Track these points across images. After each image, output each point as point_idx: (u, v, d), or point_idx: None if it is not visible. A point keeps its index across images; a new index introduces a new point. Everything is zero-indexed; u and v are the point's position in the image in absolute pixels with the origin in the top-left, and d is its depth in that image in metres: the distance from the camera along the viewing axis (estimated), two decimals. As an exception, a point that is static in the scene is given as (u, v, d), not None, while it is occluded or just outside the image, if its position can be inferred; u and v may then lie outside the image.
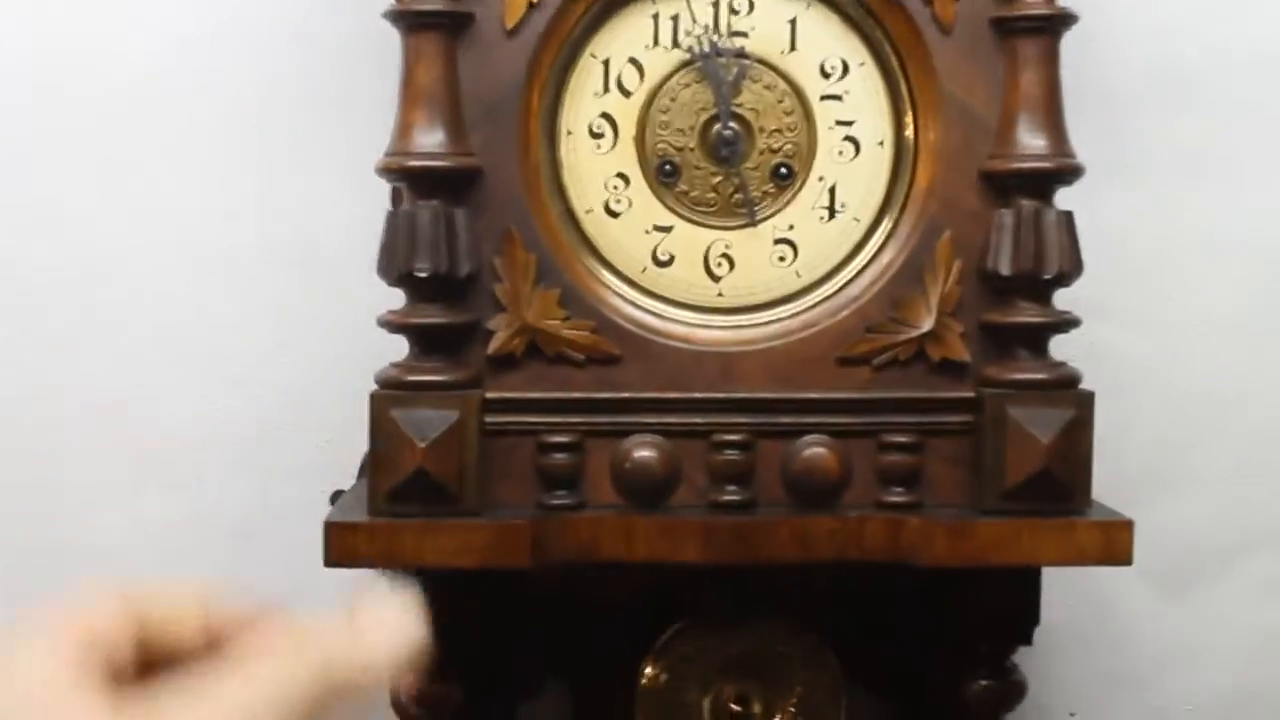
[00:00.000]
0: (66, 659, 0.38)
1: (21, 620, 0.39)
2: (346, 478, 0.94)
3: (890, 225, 0.84)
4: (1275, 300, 1.08)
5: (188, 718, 0.38)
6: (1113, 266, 0.96)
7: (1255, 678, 1.12)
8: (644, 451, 0.78)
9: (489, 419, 0.76)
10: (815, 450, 0.78)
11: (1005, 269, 0.77)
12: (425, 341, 0.76)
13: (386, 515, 0.74)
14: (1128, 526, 0.77)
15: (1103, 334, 0.98)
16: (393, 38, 0.80)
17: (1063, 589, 0.86)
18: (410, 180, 0.75)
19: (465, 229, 0.75)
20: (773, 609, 0.86)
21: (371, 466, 0.74)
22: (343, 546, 0.72)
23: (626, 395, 0.78)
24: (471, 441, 0.74)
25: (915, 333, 0.79)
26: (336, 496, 0.91)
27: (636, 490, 0.78)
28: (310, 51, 1.02)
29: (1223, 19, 1.08)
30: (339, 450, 0.92)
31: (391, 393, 0.74)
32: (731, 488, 0.78)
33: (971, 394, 0.79)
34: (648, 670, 0.86)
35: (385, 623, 0.42)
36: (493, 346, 0.77)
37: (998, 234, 0.78)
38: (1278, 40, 1.08)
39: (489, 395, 0.76)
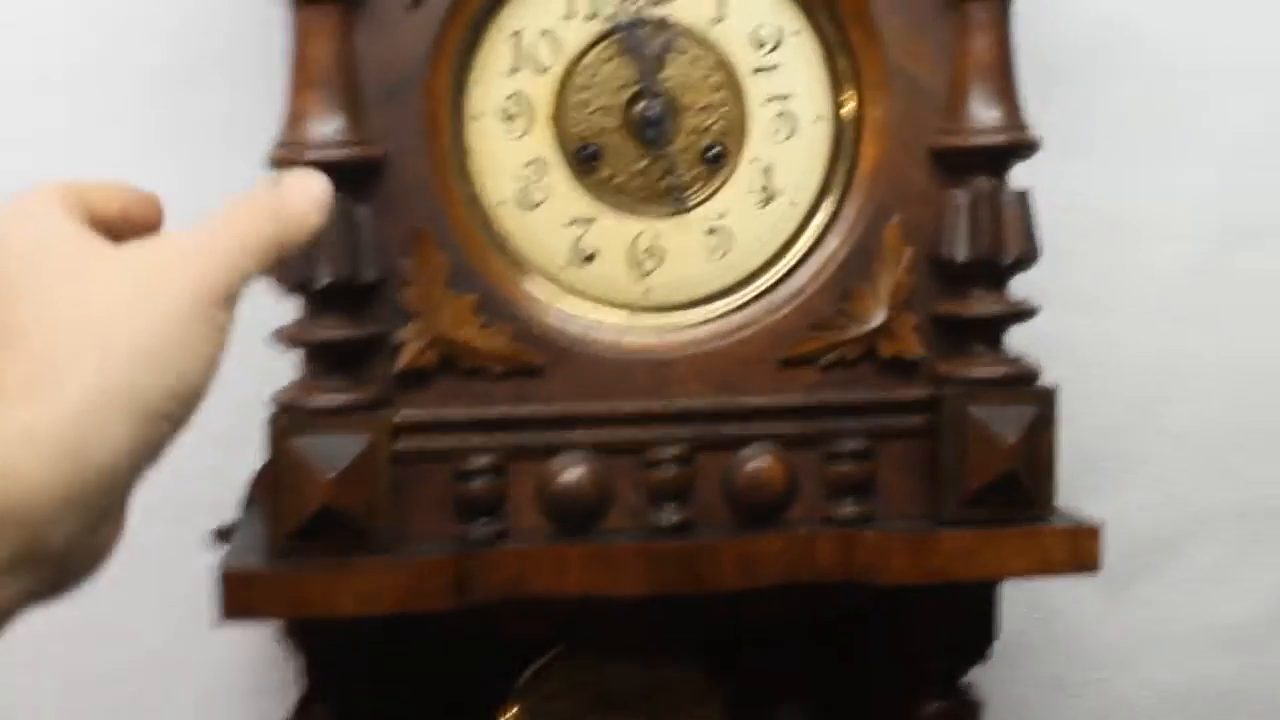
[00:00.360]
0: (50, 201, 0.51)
1: None
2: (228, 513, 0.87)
3: (831, 210, 0.79)
4: (1213, 281, 1.06)
5: (161, 253, 0.51)
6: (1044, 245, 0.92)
7: (1201, 673, 1.12)
8: (572, 472, 0.73)
9: (399, 443, 0.70)
10: (759, 462, 0.74)
11: (961, 254, 0.73)
12: (326, 358, 0.70)
13: (289, 559, 0.68)
14: (1094, 532, 0.75)
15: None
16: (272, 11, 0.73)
17: (1004, 592, 0.83)
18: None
19: (369, 228, 0.69)
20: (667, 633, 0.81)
21: (270, 503, 0.67)
22: (240, 598, 0.66)
23: (551, 410, 0.72)
24: (383, 470, 0.69)
25: (865, 328, 0.75)
26: (223, 534, 0.84)
27: (565, 515, 0.73)
28: (191, 30, 0.97)
29: None
30: (223, 478, 0.85)
31: (291, 417, 0.68)
32: (669, 507, 0.74)
33: (926, 393, 0.75)
34: (512, 713, 0.80)
35: (301, 180, 0.57)
36: (402, 361, 0.71)
37: (952, 216, 0.74)
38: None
39: (400, 417, 0.70)
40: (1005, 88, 0.76)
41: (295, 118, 0.70)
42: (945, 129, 0.77)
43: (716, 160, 0.81)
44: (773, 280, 0.81)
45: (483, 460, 0.73)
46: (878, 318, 0.76)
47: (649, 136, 0.80)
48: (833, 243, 0.77)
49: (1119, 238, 1.06)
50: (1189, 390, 1.11)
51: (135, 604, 0.97)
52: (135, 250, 0.51)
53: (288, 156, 0.71)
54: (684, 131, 0.81)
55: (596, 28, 0.79)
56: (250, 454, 0.77)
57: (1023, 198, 0.76)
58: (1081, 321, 1.06)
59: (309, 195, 0.56)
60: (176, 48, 0.98)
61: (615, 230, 0.80)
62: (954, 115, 0.77)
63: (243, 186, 0.57)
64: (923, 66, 0.76)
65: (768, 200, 0.81)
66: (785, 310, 0.77)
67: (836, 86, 0.81)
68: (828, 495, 0.77)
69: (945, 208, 0.76)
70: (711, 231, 0.81)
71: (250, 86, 0.91)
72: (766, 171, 0.81)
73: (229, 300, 0.51)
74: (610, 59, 0.80)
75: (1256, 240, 1.10)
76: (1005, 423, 0.75)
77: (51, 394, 0.45)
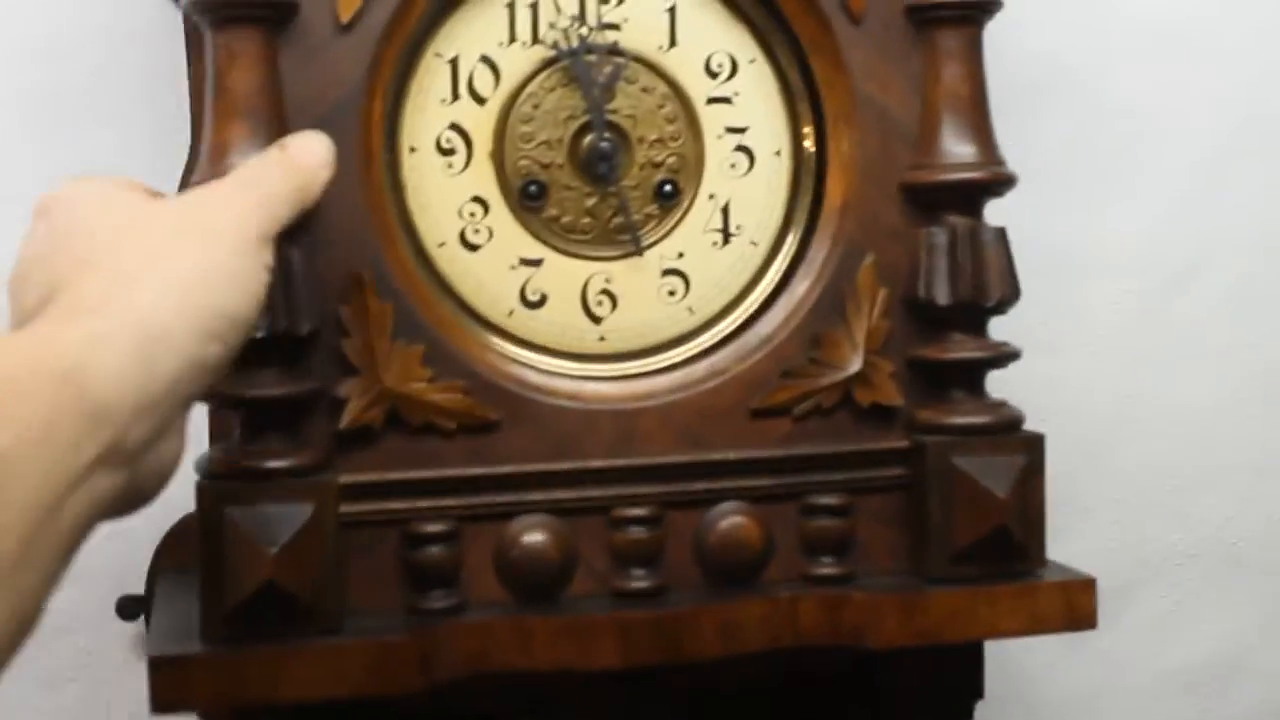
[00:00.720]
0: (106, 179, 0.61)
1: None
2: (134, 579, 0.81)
3: (794, 249, 0.76)
4: (1159, 321, 1.07)
5: (205, 198, 0.61)
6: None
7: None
8: (533, 536, 0.70)
9: (344, 509, 0.65)
10: (733, 520, 0.72)
11: (943, 297, 0.71)
12: (261, 418, 0.65)
13: (226, 642, 0.63)
14: (1089, 585, 0.73)
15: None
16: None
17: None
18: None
19: (303, 274, 0.64)
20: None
21: (203, 580, 0.62)
22: (174, 687, 0.62)
23: (508, 469, 0.68)
24: (329, 541, 0.65)
25: (840, 375, 0.73)
26: (128, 605, 0.78)
27: (527, 583, 0.70)
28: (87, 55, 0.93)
29: (1095, 4, 1.08)
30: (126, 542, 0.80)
31: (224, 484, 0.63)
32: (638, 571, 0.71)
33: (905, 443, 0.72)
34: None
35: (306, 140, 0.64)
36: (346, 419, 0.67)
37: (929, 256, 0.72)
38: (1165, 25, 1.05)
39: (344, 480, 0.65)
40: (979, 120, 0.75)
41: (217, 150, 0.66)
42: (917, 164, 0.75)
43: (671, 197, 0.79)
44: (735, 325, 0.79)
45: (436, 526, 0.69)
46: (853, 364, 0.74)
47: (599, 172, 0.78)
48: (802, 285, 0.75)
49: (1061, 278, 1.06)
50: (1137, 433, 1.13)
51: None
52: (181, 198, 0.62)
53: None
54: (636, 166, 0.79)
55: (540, 55, 0.77)
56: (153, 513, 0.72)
57: (1002, 236, 0.75)
58: (1027, 364, 1.05)
59: (315, 153, 0.64)
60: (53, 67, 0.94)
61: (565, 272, 0.78)
62: (926, 149, 0.75)
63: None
64: (892, 97, 0.75)
65: (726, 239, 0.79)
66: (755, 358, 0.75)
67: (796, 118, 0.79)
68: (805, 553, 0.75)
69: (920, 247, 0.75)
70: (667, 273, 0.79)
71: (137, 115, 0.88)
72: (724, 209, 0.79)
73: (265, 240, 0.59)
74: (555, 88, 0.78)
75: (1199, 279, 1.12)
76: (994, 474, 0.73)
77: (123, 305, 0.53)
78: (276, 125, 0.68)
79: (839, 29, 0.76)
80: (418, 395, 0.71)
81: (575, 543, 0.73)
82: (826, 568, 0.76)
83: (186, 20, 0.76)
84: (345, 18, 0.71)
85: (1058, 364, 1.08)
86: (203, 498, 0.67)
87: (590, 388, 0.75)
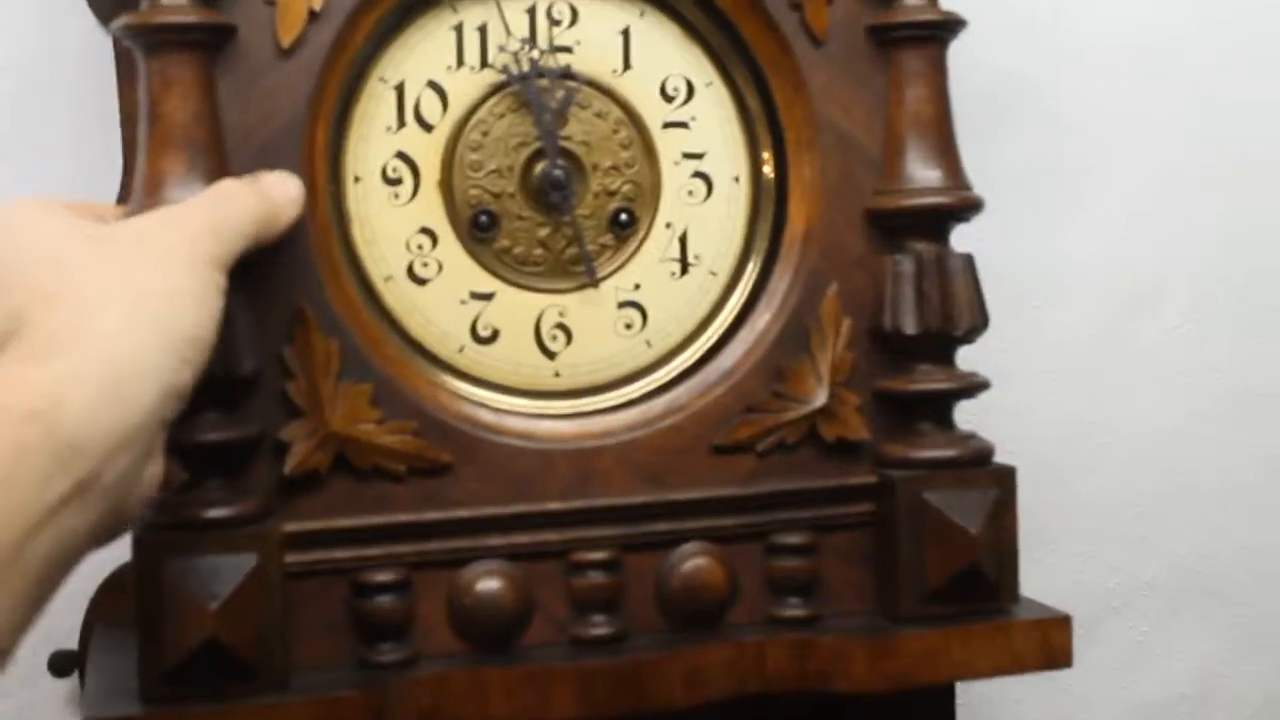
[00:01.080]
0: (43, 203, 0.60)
1: None
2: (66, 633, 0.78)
3: (753, 279, 0.74)
4: (1118, 345, 1.06)
5: (155, 222, 0.61)
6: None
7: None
8: (488, 582, 0.68)
9: (289, 558, 0.63)
10: (695, 562, 0.70)
11: (910, 327, 0.70)
12: (200, 463, 0.62)
13: (167, 702, 0.60)
14: (1065, 623, 0.71)
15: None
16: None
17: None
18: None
19: (243, 311, 0.62)
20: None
21: (141, 636, 0.60)
22: (112, 751, 0.58)
23: (461, 514, 0.66)
24: (274, 592, 0.62)
25: (805, 409, 0.71)
26: (60, 661, 0.75)
27: (482, 632, 0.68)
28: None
29: (1063, 19, 1.09)
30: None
31: (163, 535, 0.61)
32: (598, 618, 0.69)
33: (873, 479, 0.71)
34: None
35: (279, 178, 0.66)
36: (290, 464, 0.65)
37: (895, 285, 0.71)
38: (1125, 45, 1.05)
39: (289, 528, 0.63)
40: (944, 143, 0.74)
41: (152, 181, 0.64)
42: (881, 189, 0.74)
43: (626, 226, 0.78)
44: (695, 358, 0.77)
45: (386, 574, 0.67)
46: (818, 398, 0.73)
47: (552, 201, 0.76)
48: (763, 316, 0.73)
49: (1021, 302, 1.05)
50: (1100, 461, 1.12)
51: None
52: (133, 222, 0.60)
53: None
54: (590, 194, 0.78)
55: (489, 79, 0.75)
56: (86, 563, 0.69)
57: (969, 262, 0.74)
58: (986, 391, 1.04)
59: (286, 191, 0.66)
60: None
61: (517, 306, 0.76)
62: (890, 174, 0.74)
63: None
64: (855, 120, 0.73)
65: (684, 269, 0.77)
66: (716, 392, 0.72)
67: (755, 143, 0.77)
68: (771, 594, 0.73)
69: (886, 275, 0.73)
70: (624, 305, 0.77)
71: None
72: (682, 238, 0.77)
73: (221, 265, 0.60)
74: (505, 114, 0.76)
75: (1160, 302, 1.12)
76: (966, 510, 0.72)
77: (93, 341, 0.52)
78: (214, 155, 0.66)
79: (799, 50, 0.74)
80: (366, 438, 0.68)
81: (532, 589, 0.71)
82: (793, 609, 0.75)
83: (117, 43, 0.74)
84: (286, 42, 0.68)
85: (1018, 391, 1.07)
86: (140, 549, 0.64)
87: (545, 426, 0.73)
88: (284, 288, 0.68)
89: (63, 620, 0.83)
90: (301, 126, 0.69)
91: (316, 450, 0.68)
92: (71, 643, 0.87)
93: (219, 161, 0.66)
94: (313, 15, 0.69)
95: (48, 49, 0.91)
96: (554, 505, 0.71)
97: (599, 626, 0.72)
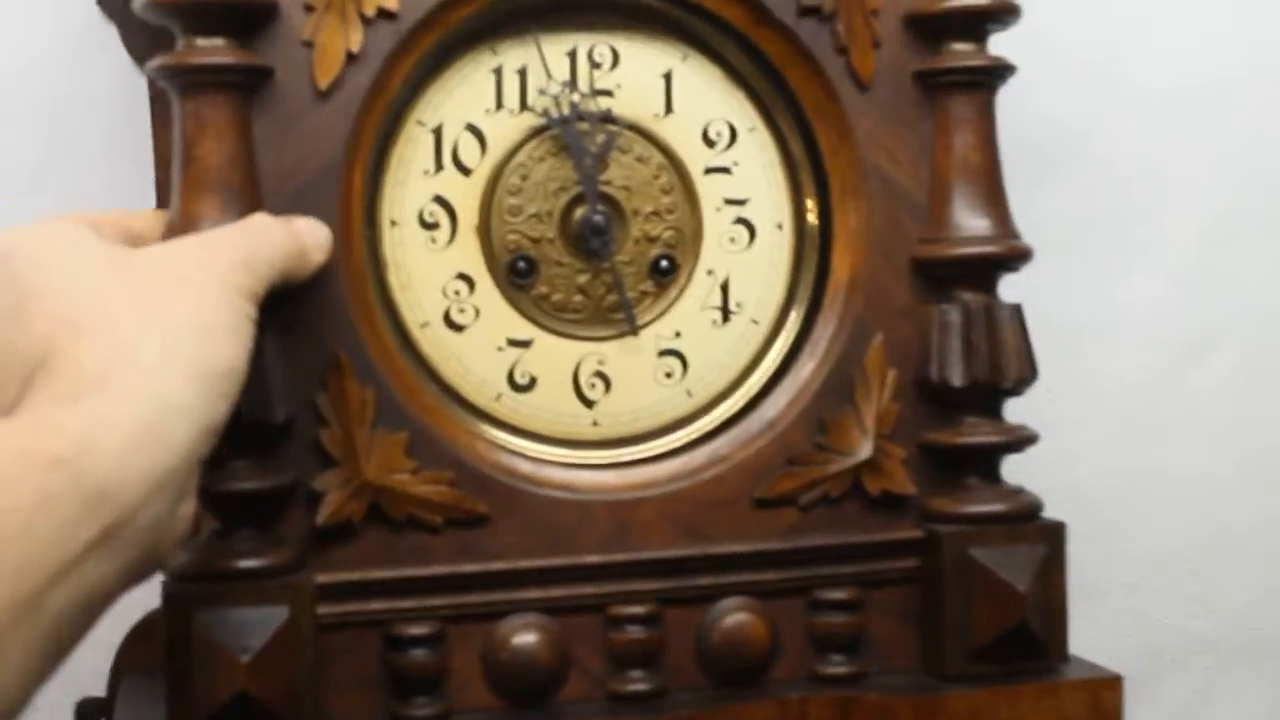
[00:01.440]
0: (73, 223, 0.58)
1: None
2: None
3: (796, 328, 0.73)
4: (1171, 395, 1.04)
5: (186, 249, 0.59)
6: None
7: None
8: (524, 637, 0.66)
9: (322, 610, 0.62)
10: (737, 617, 0.68)
11: (957, 379, 0.68)
12: (231, 512, 0.61)
13: (195, 759, 0.59)
14: (1116, 683, 0.69)
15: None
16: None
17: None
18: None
19: (277, 357, 0.61)
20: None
21: (170, 689, 0.58)
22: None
23: (499, 566, 0.65)
24: (306, 645, 0.61)
25: (849, 462, 0.69)
26: (88, 709, 0.79)
27: (517, 687, 0.66)
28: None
29: (1113, 65, 1.06)
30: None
31: (193, 586, 0.59)
32: (636, 674, 0.68)
33: (918, 534, 0.69)
34: None
35: (308, 222, 0.65)
36: (324, 514, 0.64)
37: (942, 335, 0.69)
38: (1175, 91, 1.03)
39: (322, 579, 0.62)
40: (993, 191, 0.73)
41: (186, 223, 0.63)
42: (928, 238, 0.72)
43: (667, 273, 0.77)
44: (736, 408, 0.76)
45: (420, 628, 0.65)
46: (863, 450, 0.71)
47: (592, 247, 0.74)
48: (807, 366, 0.72)
49: (1068, 353, 1.03)
50: (1150, 513, 1.10)
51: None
52: (163, 248, 0.59)
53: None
54: (630, 240, 0.76)
55: (529, 123, 0.74)
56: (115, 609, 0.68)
57: (1018, 313, 0.72)
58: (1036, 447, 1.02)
59: (315, 235, 0.65)
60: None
61: (555, 354, 0.75)
62: (937, 222, 0.73)
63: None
64: (902, 167, 0.72)
65: (726, 317, 0.76)
66: (758, 444, 0.71)
67: (798, 190, 0.76)
68: (814, 650, 0.72)
69: (932, 325, 0.71)
70: (664, 353, 0.76)
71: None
72: (724, 286, 0.76)
73: (253, 297, 0.58)
74: (544, 158, 0.75)
75: (1212, 351, 1.10)
76: (1014, 567, 0.70)
77: (129, 379, 0.51)
78: (249, 199, 0.65)
79: (845, 96, 0.73)
80: (401, 488, 0.67)
81: (569, 644, 0.69)
82: (837, 666, 0.73)
83: (152, 85, 0.73)
84: (324, 84, 0.68)
85: (1064, 442, 1.04)
86: (169, 600, 0.63)
87: (585, 477, 0.71)
88: (318, 334, 0.67)
89: (90, 666, 0.80)
90: (338, 170, 0.68)
91: (350, 500, 0.66)
92: (99, 689, 0.86)
93: (254, 204, 0.65)
94: (350, 57, 0.68)
95: (82, 90, 0.91)
96: (593, 558, 0.70)
97: (637, 682, 0.70)
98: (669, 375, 0.76)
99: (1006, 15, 0.73)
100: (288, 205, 0.66)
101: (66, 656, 0.49)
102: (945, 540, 0.72)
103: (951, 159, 0.73)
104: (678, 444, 0.75)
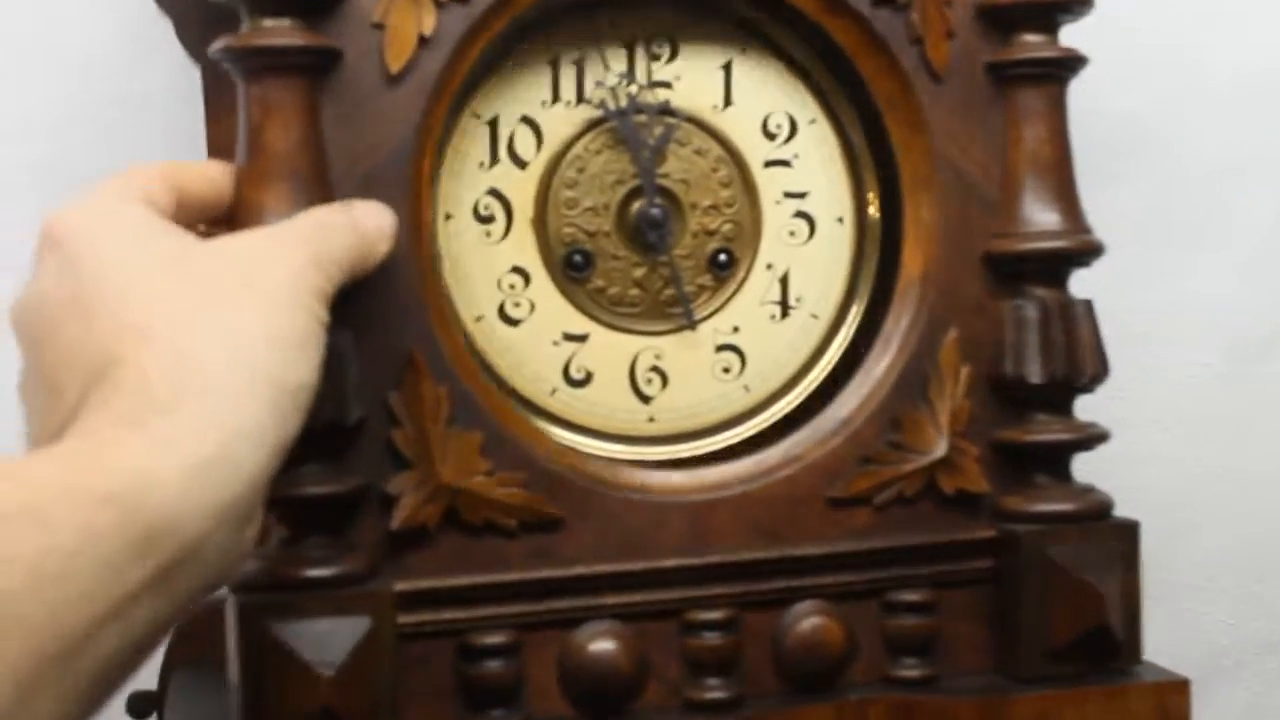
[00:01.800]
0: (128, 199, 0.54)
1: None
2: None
3: (856, 323, 0.70)
4: (1239, 392, 1.00)
5: (253, 246, 0.53)
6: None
7: None
8: (603, 644, 0.63)
9: (399, 619, 0.58)
10: (813, 621, 0.66)
11: (1036, 376, 0.66)
12: (304, 519, 0.57)
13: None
14: (1183, 687, 0.67)
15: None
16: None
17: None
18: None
19: (350, 357, 0.57)
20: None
21: (244, 704, 0.54)
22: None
23: (576, 571, 0.61)
24: (387, 657, 0.57)
25: (924, 460, 0.66)
26: (139, 703, 0.77)
27: (595, 696, 0.64)
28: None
29: (1177, 61, 1.01)
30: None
31: (266, 596, 0.55)
32: (714, 681, 0.65)
33: (992, 533, 0.66)
34: None
35: (372, 208, 0.60)
36: (399, 518, 0.60)
37: (1018, 331, 0.67)
38: (1248, 80, 0.99)
39: (398, 587, 0.58)
40: (1064, 185, 0.70)
41: (252, 212, 0.59)
42: (999, 232, 0.69)
43: (725, 267, 0.74)
44: (794, 404, 0.74)
45: (496, 637, 0.62)
46: (938, 448, 0.68)
47: (649, 240, 0.72)
48: (880, 362, 0.69)
49: (1135, 348, 0.99)
50: (1215, 513, 1.05)
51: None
52: (229, 244, 0.54)
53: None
54: (688, 234, 0.74)
55: (585, 115, 0.71)
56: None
57: (1090, 309, 0.69)
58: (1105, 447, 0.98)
59: (379, 223, 0.59)
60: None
61: (611, 349, 0.72)
62: (1008, 217, 0.70)
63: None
64: (973, 161, 0.70)
65: (785, 312, 0.73)
66: (832, 443, 0.68)
67: (859, 183, 0.73)
68: (886, 652, 0.69)
69: (1005, 320, 0.68)
70: (722, 348, 0.74)
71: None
72: (783, 279, 0.74)
73: (325, 300, 0.53)
74: (601, 151, 0.72)
75: (1277, 346, 1.05)
76: (1093, 566, 0.68)
77: (195, 395, 0.46)
78: (318, 187, 0.61)
79: (920, 87, 0.70)
80: (478, 490, 0.63)
81: (646, 650, 0.66)
82: (909, 669, 0.70)
83: (205, 80, 0.70)
84: (395, 68, 0.64)
85: (1129, 439, 1.00)
86: (242, 610, 0.59)
87: (656, 478, 0.68)
88: (387, 329, 0.63)
89: None
90: (408, 157, 0.64)
91: (426, 503, 0.63)
92: (150, 683, 0.81)
93: (323, 193, 0.61)
94: (422, 41, 0.64)
95: (137, 85, 0.88)
96: (669, 562, 0.66)
97: (715, 690, 0.67)
98: (726, 370, 0.74)
99: (1079, 6, 0.70)
100: (355, 193, 0.63)
101: (115, 694, 0.45)
102: (1024, 540, 0.69)
103: (1022, 152, 0.71)
104: (734, 440, 0.73)
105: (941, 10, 0.70)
